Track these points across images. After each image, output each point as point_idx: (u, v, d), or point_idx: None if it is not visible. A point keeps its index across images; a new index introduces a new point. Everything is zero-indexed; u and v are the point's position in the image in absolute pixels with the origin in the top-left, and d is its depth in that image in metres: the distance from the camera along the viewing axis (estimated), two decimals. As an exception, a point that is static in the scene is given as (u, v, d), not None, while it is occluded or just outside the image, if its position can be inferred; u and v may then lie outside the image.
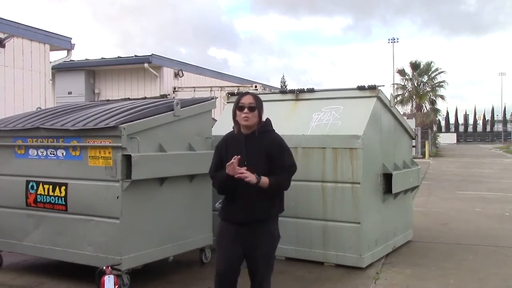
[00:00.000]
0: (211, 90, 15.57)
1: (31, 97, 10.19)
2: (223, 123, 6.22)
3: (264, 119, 3.92)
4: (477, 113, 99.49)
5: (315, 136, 6.09)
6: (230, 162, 3.58)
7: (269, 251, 3.79)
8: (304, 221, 6.11)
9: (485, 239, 7.57)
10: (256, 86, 15.61)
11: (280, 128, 6.36)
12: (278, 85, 65.99)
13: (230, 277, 3.76)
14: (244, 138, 3.77)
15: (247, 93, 3.92)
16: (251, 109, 3.73)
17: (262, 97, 7.52)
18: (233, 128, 3.91)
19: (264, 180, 3.63)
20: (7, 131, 5.70)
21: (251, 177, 3.56)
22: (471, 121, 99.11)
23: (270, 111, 6.77)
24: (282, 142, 3.86)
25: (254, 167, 3.63)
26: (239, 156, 3.59)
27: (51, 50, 11.14)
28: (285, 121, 6.46)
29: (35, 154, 5.51)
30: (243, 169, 3.56)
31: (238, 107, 3.76)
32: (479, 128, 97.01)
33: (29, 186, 5.51)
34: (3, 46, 9.57)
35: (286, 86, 68.94)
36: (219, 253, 3.86)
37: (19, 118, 5.95)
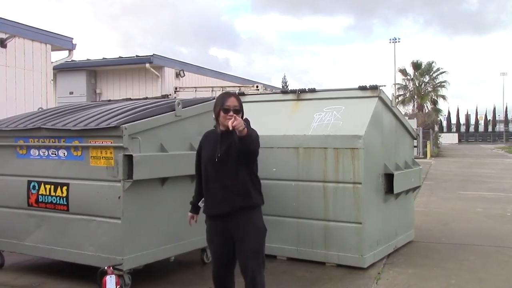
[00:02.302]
0: (212, 90, 15.58)
1: (32, 97, 10.20)
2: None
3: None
4: (478, 113, 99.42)
5: (317, 136, 6.09)
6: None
7: (257, 245, 3.80)
8: (305, 221, 6.11)
9: (486, 239, 7.56)
10: (257, 86, 15.62)
11: (282, 128, 6.42)
12: (279, 85, 65.97)
13: (224, 275, 3.95)
14: (220, 134, 3.84)
15: (230, 94, 3.91)
16: (236, 111, 3.77)
17: (264, 97, 7.58)
18: (214, 126, 3.98)
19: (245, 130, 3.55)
20: (9, 131, 5.70)
21: (240, 124, 3.47)
22: (472, 121, 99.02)
23: (271, 111, 6.82)
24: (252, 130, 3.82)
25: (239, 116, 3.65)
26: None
27: (52, 50, 11.14)
28: (286, 121, 6.46)
29: (36, 154, 5.52)
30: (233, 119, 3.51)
31: (223, 109, 3.78)
32: (481, 128, 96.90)
33: (31, 186, 5.51)
34: (5, 46, 9.58)
35: (287, 86, 68.94)
36: (211, 252, 4.04)
37: (20, 118, 5.96)
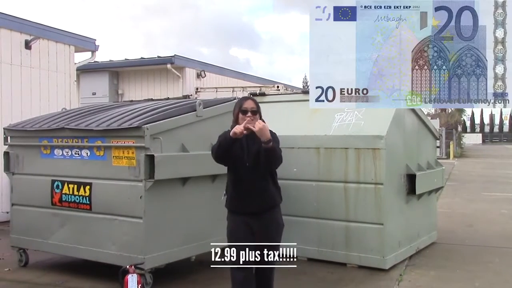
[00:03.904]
0: (233, 91, 15.60)
1: (56, 98, 10.33)
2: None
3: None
4: (503, 113, 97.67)
5: (338, 136, 6.06)
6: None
7: (275, 237, 4.02)
8: (326, 222, 6.08)
9: (511, 241, 7.42)
10: (278, 87, 15.59)
11: (302, 128, 6.40)
12: (300, 85, 65.68)
13: (248, 271, 3.97)
14: (244, 137, 3.93)
15: (248, 98, 4.18)
16: (254, 112, 3.98)
17: (284, 98, 7.57)
18: (230, 128, 4.02)
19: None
20: (33, 131, 5.80)
21: (259, 125, 3.70)
22: (497, 121, 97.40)
23: (292, 111, 6.80)
24: (274, 135, 3.99)
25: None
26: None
27: (75, 51, 11.27)
28: (307, 121, 6.44)
29: (60, 154, 5.60)
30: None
31: (241, 111, 3.99)
32: (505, 128, 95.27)
33: (54, 186, 5.60)
34: (30, 48, 9.74)
35: (308, 86, 68.62)
36: (229, 241, 4.04)
37: (44, 119, 6.05)
